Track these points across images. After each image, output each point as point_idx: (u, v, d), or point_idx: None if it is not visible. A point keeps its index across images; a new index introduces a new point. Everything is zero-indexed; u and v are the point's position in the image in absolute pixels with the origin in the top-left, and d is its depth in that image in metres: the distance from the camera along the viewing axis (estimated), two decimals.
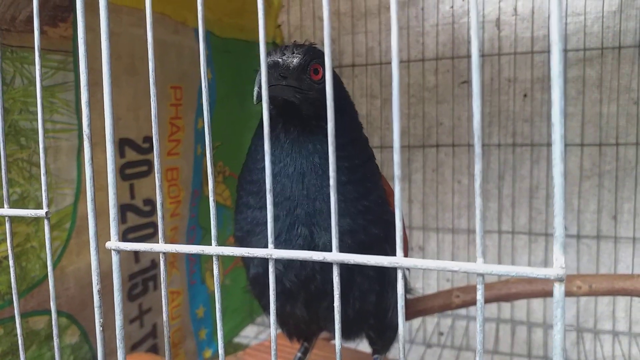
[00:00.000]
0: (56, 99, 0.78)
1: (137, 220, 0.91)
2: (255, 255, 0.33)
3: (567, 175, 1.19)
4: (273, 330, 0.33)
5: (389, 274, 0.63)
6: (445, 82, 1.25)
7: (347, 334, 0.78)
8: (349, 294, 0.60)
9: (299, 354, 0.73)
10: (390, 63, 1.27)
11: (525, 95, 1.22)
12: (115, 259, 0.36)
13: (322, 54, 0.58)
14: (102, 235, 0.87)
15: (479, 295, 0.30)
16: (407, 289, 0.84)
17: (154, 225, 0.95)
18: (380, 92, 1.29)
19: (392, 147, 1.29)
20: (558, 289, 0.27)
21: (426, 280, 1.31)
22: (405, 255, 0.76)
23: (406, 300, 0.88)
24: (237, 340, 1.21)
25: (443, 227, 1.28)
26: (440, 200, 1.27)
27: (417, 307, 0.87)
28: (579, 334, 1.20)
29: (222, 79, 1.11)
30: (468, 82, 1.25)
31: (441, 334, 1.29)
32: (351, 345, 0.90)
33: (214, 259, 0.34)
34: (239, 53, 1.17)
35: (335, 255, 0.31)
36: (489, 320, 1.26)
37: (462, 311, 1.27)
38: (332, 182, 0.30)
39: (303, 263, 0.56)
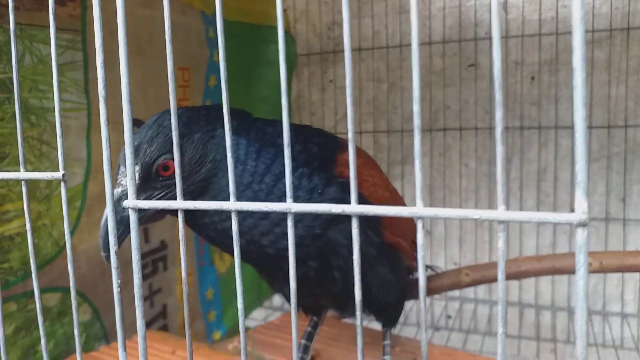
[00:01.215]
0: (65, 78, 0.78)
1: None
2: (273, 209, 0.33)
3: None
4: (293, 284, 0.33)
5: (383, 251, 0.63)
6: (452, 66, 1.25)
7: (344, 309, 0.78)
8: (348, 271, 0.60)
9: (309, 329, 0.73)
10: (397, 47, 1.27)
11: (532, 78, 1.22)
12: (133, 217, 0.36)
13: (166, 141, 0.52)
14: None
15: (501, 243, 0.29)
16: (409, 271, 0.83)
17: None
18: (387, 76, 1.29)
19: (399, 131, 1.29)
20: (581, 235, 0.27)
21: (434, 263, 1.32)
22: (413, 242, 0.76)
23: (411, 280, 0.88)
24: (245, 323, 1.22)
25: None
26: (448, 184, 1.27)
27: (427, 286, 0.87)
28: (587, 316, 1.20)
29: (228, 62, 1.11)
30: (475, 65, 1.24)
31: (449, 317, 1.30)
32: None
33: (233, 214, 0.34)
34: (244, 36, 1.17)
35: (354, 208, 0.31)
36: (497, 304, 1.26)
37: (470, 294, 1.27)
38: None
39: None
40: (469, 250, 1.26)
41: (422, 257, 0.30)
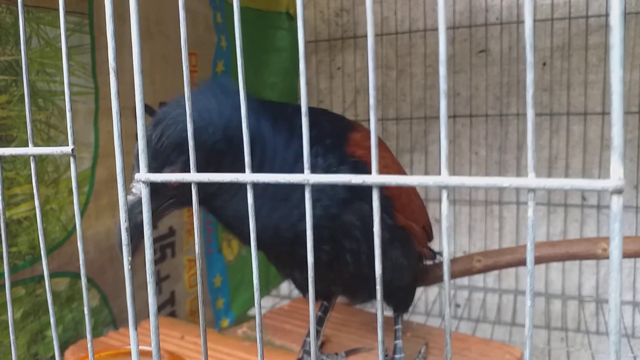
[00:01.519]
0: (73, 61, 0.77)
1: None
2: (291, 180, 0.32)
3: (588, 145, 1.17)
4: (310, 257, 0.32)
5: (396, 234, 0.62)
6: (463, 52, 1.23)
7: (354, 295, 0.77)
8: (360, 255, 0.59)
9: (319, 313, 0.72)
10: (406, 32, 1.25)
11: (544, 64, 1.20)
12: (144, 192, 0.35)
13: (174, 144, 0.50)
14: (116, 206, 0.86)
15: (530, 212, 0.28)
16: (434, 255, 0.83)
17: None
18: (396, 63, 1.27)
19: (407, 118, 1.27)
20: (616, 202, 0.26)
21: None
22: (428, 230, 0.75)
23: (426, 266, 0.87)
24: (252, 311, 1.21)
25: (460, 199, 1.26)
26: (457, 171, 1.26)
27: (437, 273, 0.86)
28: (598, 305, 1.19)
29: (235, 47, 1.10)
30: (486, 51, 1.23)
31: (458, 306, 1.29)
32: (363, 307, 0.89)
33: (249, 187, 0.33)
34: (252, 22, 1.16)
35: (375, 178, 0.30)
36: (507, 292, 1.25)
37: (479, 283, 1.26)
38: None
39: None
40: (478, 238, 1.25)
41: (446, 228, 0.29)
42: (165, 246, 0.94)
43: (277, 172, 0.52)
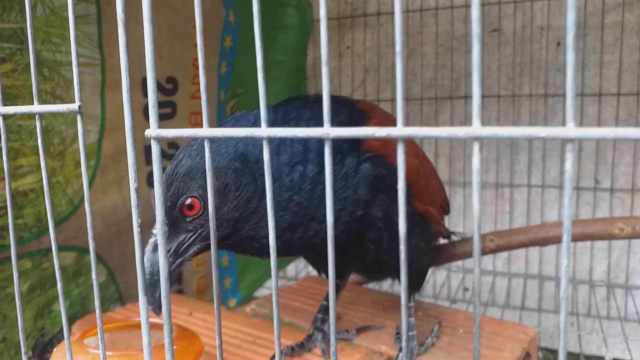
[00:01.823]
0: (79, 31, 0.75)
1: (162, 163, 0.89)
2: (310, 135, 0.30)
3: (602, 126, 1.14)
4: (330, 231, 0.30)
5: (415, 221, 0.62)
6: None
7: (371, 276, 0.77)
8: (382, 244, 0.59)
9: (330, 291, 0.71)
10: (417, 11, 1.22)
11: (558, 44, 1.17)
12: (155, 149, 0.34)
13: (189, 179, 0.49)
14: (125, 178, 0.85)
15: (569, 165, 0.27)
16: (448, 234, 0.81)
17: None
18: (407, 41, 1.25)
19: (418, 99, 1.25)
20: None
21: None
22: (445, 211, 0.73)
23: (437, 245, 0.86)
24: (259, 292, 1.20)
25: (470, 182, 1.24)
26: (468, 154, 1.23)
27: (451, 251, 0.84)
28: (609, 289, 1.17)
29: (244, 23, 1.07)
30: (499, 30, 1.20)
31: (466, 289, 1.27)
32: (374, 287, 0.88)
33: (264, 142, 0.31)
34: None
35: (400, 130, 0.28)
36: (516, 276, 1.24)
37: (489, 266, 1.25)
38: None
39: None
40: (488, 221, 1.23)
41: (477, 183, 0.28)
42: None
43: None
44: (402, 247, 0.30)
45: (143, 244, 0.37)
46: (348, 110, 0.59)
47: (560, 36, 1.17)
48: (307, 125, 0.54)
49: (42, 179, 0.72)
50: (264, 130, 0.31)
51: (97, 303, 0.40)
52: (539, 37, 1.18)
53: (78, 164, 0.76)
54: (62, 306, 0.43)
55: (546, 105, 1.18)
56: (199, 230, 0.50)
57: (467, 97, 1.22)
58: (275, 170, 0.51)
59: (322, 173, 0.53)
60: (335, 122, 0.56)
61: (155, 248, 0.48)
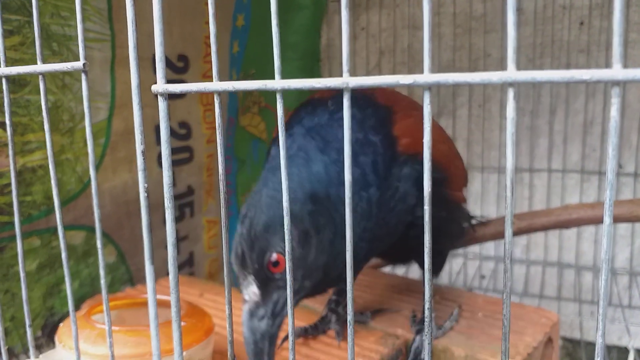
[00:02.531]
0: (88, 6, 0.74)
1: (173, 143, 0.87)
2: (329, 85, 0.28)
3: (626, 109, 1.10)
4: (348, 201, 0.28)
5: (449, 209, 0.61)
6: (495, 10, 1.17)
7: (392, 260, 0.75)
8: (411, 235, 0.58)
9: None
10: None
11: (581, 23, 1.13)
12: (162, 105, 0.32)
13: (271, 235, 0.46)
14: (133, 160, 0.83)
15: (614, 112, 0.24)
16: (470, 217, 0.79)
17: (190, 149, 0.91)
18: (423, 22, 1.21)
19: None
20: None
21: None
22: (461, 192, 0.71)
23: (458, 229, 0.83)
24: None
25: (488, 166, 1.21)
26: (487, 137, 1.20)
27: (473, 234, 0.81)
28: (632, 277, 1.13)
29: (257, 2, 1.05)
30: (519, 10, 1.16)
31: (482, 277, 1.24)
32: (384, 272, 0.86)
33: (278, 95, 0.29)
34: None
35: (426, 77, 0.26)
36: (535, 264, 1.20)
37: None
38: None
39: None
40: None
41: (511, 134, 0.25)
42: (184, 205, 0.92)
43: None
44: (427, 207, 0.27)
45: (150, 216, 0.35)
46: (372, 113, 0.56)
47: (583, 15, 1.12)
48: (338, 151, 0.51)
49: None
50: (277, 82, 0.29)
51: (102, 272, 0.39)
52: (560, 16, 1.14)
53: (86, 142, 0.75)
54: (66, 276, 0.42)
55: (568, 87, 1.14)
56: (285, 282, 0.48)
57: None
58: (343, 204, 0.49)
59: (383, 194, 0.52)
60: (366, 128, 0.53)
61: (252, 314, 0.46)
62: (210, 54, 0.94)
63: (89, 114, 0.35)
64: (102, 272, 0.40)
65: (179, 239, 0.91)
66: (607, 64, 1.11)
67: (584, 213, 0.76)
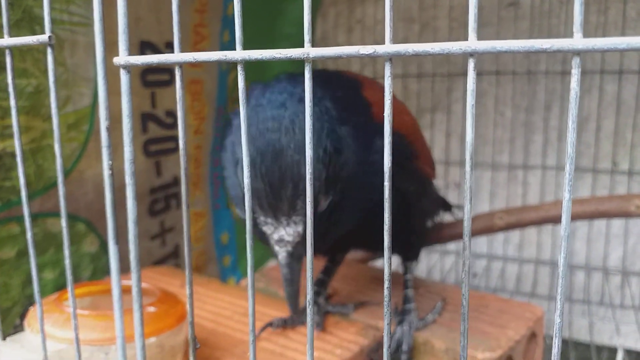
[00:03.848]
0: None
1: (159, 132, 0.86)
2: (290, 55, 0.27)
3: (621, 106, 1.09)
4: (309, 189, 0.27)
5: (417, 178, 0.60)
6: (490, 4, 1.15)
7: (370, 247, 0.73)
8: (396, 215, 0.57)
9: (328, 264, 0.68)
10: None
11: None
12: (125, 79, 0.31)
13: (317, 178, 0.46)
14: (120, 145, 0.82)
15: (574, 83, 0.23)
16: (450, 207, 0.78)
17: (175, 139, 0.90)
18: (419, 15, 1.20)
19: (430, 75, 1.20)
20: None
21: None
22: (433, 176, 0.70)
23: (443, 223, 0.82)
24: (260, 271, 1.18)
25: (482, 162, 1.20)
26: (481, 133, 1.19)
27: (455, 230, 0.80)
28: (624, 277, 1.12)
29: None
30: (515, 3, 1.15)
31: (475, 275, 1.23)
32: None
33: (239, 67, 0.28)
34: None
35: (387, 47, 0.25)
36: (527, 262, 1.19)
37: (499, 251, 1.21)
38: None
39: None
40: (500, 204, 1.19)
41: (471, 106, 0.24)
42: (170, 196, 0.91)
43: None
44: (387, 184, 0.26)
45: (114, 194, 0.34)
46: (340, 79, 0.58)
47: None
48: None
49: (32, 141, 0.70)
50: (238, 53, 0.28)
51: (66, 252, 0.38)
52: (557, 11, 1.12)
53: (70, 127, 0.74)
54: (32, 257, 0.41)
55: (563, 83, 1.13)
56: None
57: (481, 74, 1.17)
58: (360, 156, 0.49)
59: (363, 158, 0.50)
60: (345, 89, 0.53)
61: (291, 258, 0.47)
62: (199, 42, 0.93)
63: (54, 89, 0.34)
64: (66, 252, 0.39)
65: (165, 231, 0.90)
66: (603, 60, 1.09)
67: (573, 209, 0.75)
